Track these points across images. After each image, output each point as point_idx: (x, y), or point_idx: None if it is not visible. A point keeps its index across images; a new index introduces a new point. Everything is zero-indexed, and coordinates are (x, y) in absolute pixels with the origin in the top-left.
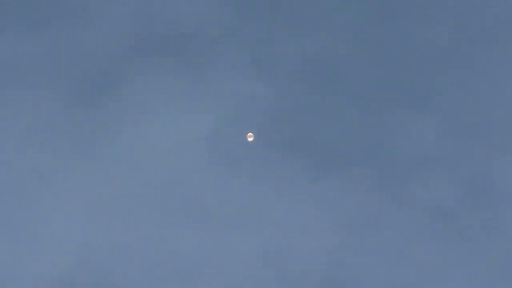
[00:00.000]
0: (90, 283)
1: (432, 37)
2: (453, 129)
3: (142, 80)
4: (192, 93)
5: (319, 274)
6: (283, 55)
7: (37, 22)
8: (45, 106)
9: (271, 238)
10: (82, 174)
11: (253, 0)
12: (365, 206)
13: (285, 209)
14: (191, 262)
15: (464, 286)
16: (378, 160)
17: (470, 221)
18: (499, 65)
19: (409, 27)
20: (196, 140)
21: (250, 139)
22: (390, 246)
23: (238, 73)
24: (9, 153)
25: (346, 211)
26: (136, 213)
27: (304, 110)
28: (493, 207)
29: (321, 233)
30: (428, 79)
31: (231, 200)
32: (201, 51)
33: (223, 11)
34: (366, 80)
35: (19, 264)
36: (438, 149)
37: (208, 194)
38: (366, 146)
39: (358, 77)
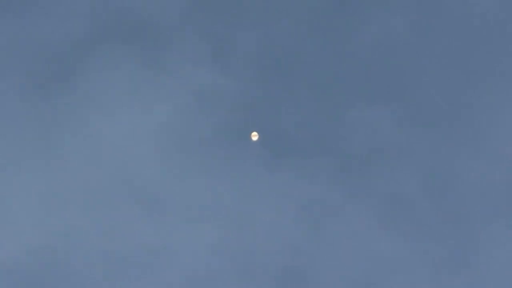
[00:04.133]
0: (44, 271)
1: (390, 26)
2: (411, 119)
3: (98, 69)
4: (149, 82)
5: (278, 265)
6: (243, 45)
7: None
8: None
9: (228, 229)
10: (36, 164)
11: None
12: (323, 197)
13: (242, 200)
14: (147, 253)
15: (423, 275)
16: (336, 150)
17: (428, 211)
18: (457, 54)
19: (367, 17)
20: (153, 130)
21: (255, 138)
22: (348, 237)
23: (197, 62)
24: None
25: (304, 202)
26: (92, 203)
27: (262, 101)
28: (452, 198)
29: (279, 224)
30: (385, 68)
31: (188, 191)
32: (159, 39)
33: None
34: (324, 70)
35: None
36: (396, 139)
37: (165, 185)
38: (324, 136)
39: (315, 67)
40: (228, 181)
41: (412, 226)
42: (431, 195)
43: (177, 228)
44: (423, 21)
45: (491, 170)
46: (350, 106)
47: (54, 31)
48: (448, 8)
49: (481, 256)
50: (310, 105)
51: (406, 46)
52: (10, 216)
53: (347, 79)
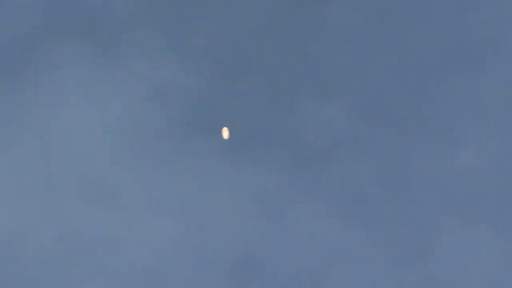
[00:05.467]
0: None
1: (344, 20)
2: (366, 112)
3: (50, 63)
4: (103, 76)
5: (234, 257)
6: (198, 38)
7: None
8: None
9: (184, 221)
10: None
11: None
12: (280, 189)
13: (199, 193)
14: (103, 246)
15: (379, 267)
16: (292, 143)
17: (383, 203)
18: (413, 46)
19: (321, 11)
20: (108, 124)
21: (226, 133)
22: (304, 229)
23: (152, 55)
24: None
25: (261, 194)
26: (46, 198)
27: (218, 94)
28: (408, 191)
29: (236, 216)
30: (340, 61)
31: (144, 185)
32: (113, 31)
33: None
34: (280, 64)
35: None
36: (351, 133)
37: (121, 179)
38: (280, 130)
39: (272, 61)
40: (185, 174)
41: (367, 218)
42: (386, 187)
43: (133, 221)
44: (378, 15)
45: (447, 163)
46: (306, 99)
47: (3, 24)
48: (404, 3)
49: (437, 249)
50: (266, 99)
51: (360, 40)
52: None
53: (303, 72)
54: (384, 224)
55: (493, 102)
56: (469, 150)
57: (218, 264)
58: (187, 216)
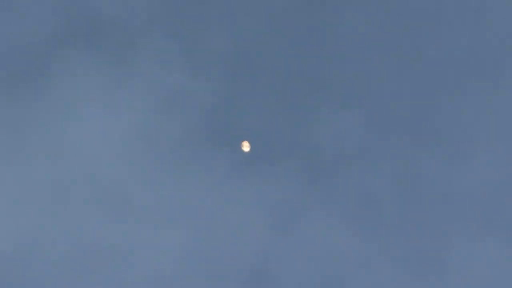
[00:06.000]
0: (14, 270)
1: (358, 29)
2: (379, 123)
3: (66, 70)
4: (117, 84)
5: (247, 267)
6: (211, 46)
7: None
8: None
9: (196, 231)
10: (3, 165)
11: None
12: (292, 200)
13: (211, 203)
14: (116, 254)
15: (389, 274)
16: (306, 154)
17: (396, 213)
18: (428, 58)
19: (335, 20)
20: (121, 132)
21: (247, 148)
22: (317, 239)
23: (165, 63)
24: None
25: (273, 205)
26: (59, 205)
27: (232, 104)
28: (420, 200)
29: (248, 227)
30: (356, 73)
31: (156, 194)
32: (127, 40)
33: None
34: (294, 73)
35: None
36: (365, 143)
37: (133, 187)
38: (294, 140)
39: (285, 70)
40: (197, 183)
41: (380, 227)
42: (399, 197)
43: (145, 230)
44: (394, 27)
45: (458, 172)
46: (319, 110)
47: (21, 32)
48: (419, 9)
49: (449, 257)
50: (279, 108)
51: (375, 51)
52: None
53: (317, 83)
54: (398, 235)
55: (507, 114)
56: (483, 161)
57: (230, 275)
58: (198, 226)
